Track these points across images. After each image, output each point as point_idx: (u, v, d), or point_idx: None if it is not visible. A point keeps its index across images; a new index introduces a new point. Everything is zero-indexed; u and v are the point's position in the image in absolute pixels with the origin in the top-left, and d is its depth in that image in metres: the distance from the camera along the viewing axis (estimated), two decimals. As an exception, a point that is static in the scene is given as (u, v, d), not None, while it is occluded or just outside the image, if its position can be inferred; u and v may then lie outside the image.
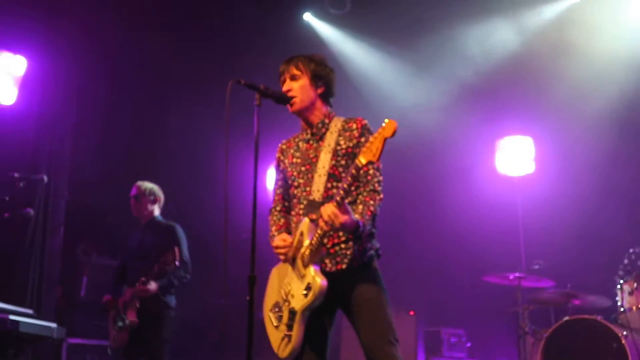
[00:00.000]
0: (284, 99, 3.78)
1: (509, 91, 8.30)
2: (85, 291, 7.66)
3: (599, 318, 5.97)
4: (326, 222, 3.38)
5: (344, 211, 3.38)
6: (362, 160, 3.32)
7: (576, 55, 8.02)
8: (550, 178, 7.97)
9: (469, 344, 8.09)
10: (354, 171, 3.37)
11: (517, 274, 6.62)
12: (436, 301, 8.16)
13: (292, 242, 3.62)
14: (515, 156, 8.00)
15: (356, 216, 3.47)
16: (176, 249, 5.60)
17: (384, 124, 3.28)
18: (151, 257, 5.79)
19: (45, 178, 5.95)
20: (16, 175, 5.64)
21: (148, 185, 6.22)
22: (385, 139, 3.25)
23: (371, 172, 3.61)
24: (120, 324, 5.79)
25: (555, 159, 8.04)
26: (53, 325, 5.69)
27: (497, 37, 8.60)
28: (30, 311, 5.72)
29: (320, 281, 3.47)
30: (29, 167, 6.54)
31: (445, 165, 8.54)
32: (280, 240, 3.67)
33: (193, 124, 8.43)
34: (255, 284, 3.38)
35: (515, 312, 6.67)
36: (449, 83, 8.80)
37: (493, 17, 8.49)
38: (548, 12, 8.48)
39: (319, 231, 3.48)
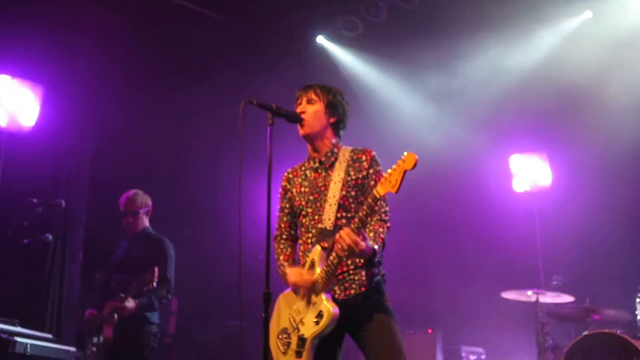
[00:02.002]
0: (296, 118, 3.80)
1: (521, 109, 8.31)
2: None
3: (618, 332, 5.92)
4: (345, 249, 3.37)
5: (362, 238, 3.40)
6: (380, 190, 3.33)
7: (590, 70, 8.03)
8: (565, 193, 7.94)
9: (488, 362, 8.04)
10: (370, 201, 3.38)
11: (535, 290, 6.61)
12: (455, 319, 8.13)
13: (310, 278, 3.57)
14: (530, 172, 7.98)
15: (370, 243, 3.48)
16: (155, 269, 5.32)
17: (403, 156, 3.28)
18: (136, 270, 5.51)
19: (63, 203, 5.98)
20: (34, 200, 5.69)
21: (141, 194, 5.97)
22: (405, 171, 3.26)
23: (378, 202, 3.60)
24: (95, 339, 5.56)
25: (570, 174, 8.02)
26: (72, 349, 5.71)
27: (508, 58, 8.63)
28: (49, 336, 5.75)
29: (332, 309, 3.48)
30: (47, 193, 6.56)
31: (461, 183, 8.55)
32: (296, 275, 3.64)
33: (210, 147, 8.50)
34: (270, 302, 3.40)
35: (534, 329, 6.64)
36: (462, 103, 8.84)
37: (506, 36, 8.52)
38: (562, 29, 8.52)
39: (332, 258, 3.49)
